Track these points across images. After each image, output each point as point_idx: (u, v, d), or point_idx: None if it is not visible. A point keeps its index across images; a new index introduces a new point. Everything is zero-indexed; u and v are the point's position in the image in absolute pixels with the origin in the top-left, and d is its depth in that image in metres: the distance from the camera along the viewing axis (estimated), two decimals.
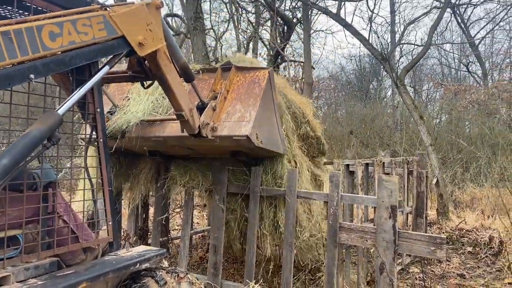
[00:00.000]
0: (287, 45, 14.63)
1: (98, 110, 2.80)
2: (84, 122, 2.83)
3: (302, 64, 13.92)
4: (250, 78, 4.30)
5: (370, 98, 22.78)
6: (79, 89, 2.40)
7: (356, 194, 4.96)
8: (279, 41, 13.82)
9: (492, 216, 8.15)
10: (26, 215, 2.37)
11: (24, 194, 2.33)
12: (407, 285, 5.43)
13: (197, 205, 9.90)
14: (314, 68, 17.74)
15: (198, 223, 8.71)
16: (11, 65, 2.04)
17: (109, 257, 2.87)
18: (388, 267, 3.83)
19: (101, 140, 2.83)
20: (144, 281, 2.81)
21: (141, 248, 3.20)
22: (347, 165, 5.11)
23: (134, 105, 4.41)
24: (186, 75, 3.37)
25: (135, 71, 3.07)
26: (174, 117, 3.48)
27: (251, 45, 15.96)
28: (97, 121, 2.80)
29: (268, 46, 14.92)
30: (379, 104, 20.60)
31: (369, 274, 5.29)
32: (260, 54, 16.27)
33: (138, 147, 4.40)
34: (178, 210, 8.55)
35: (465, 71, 23.68)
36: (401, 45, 21.70)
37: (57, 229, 2.52)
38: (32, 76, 2.12)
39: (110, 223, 2.88)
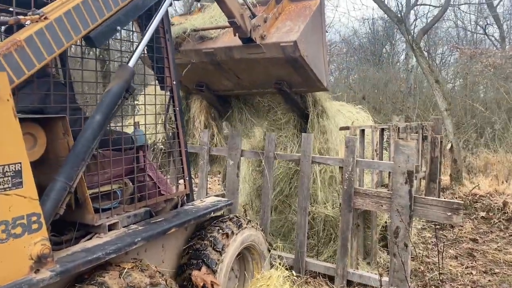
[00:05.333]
0: None
1: (174, 82, 3.19)
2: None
3: None
4: (301, 6, 4.55)
5: (383, 62, 22.30)
6: (145, 34, 2.73)
7: (372, 159, 4.92)
8: None
9: (506, 182, 8.07)
10: (122, 172, 2.79)
11: (122, 156, 2.75)
12: (420, 249, 5.47)
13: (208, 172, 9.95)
14: (326, 32, 17.34)
15: (210, 188, 8.78)
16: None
17: (188, 207, 3.37)
18: (403, 232, 3.83)
19: (177, 108, 3.24)
20: (221, 225, 3.29)
21: (212, 198, 3.70)
22: (362, 130, 5.03)
23: (191, 21, 4.89)
24: None
25: None
26: (227, 24, 3.85)
27: None
28: (173, 92, 3.21)
29: None
30: (392, 69, 20.18)
31: (381, 235, 5.31)
32: None
33: (192, 60, 4.68)
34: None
35: (482, 34, 22.97)
36: (416, 7, 21.02)
37: (146, 184, 2.98)
38: (118, 27, 2.48)
39: (187, 178, 3.38)
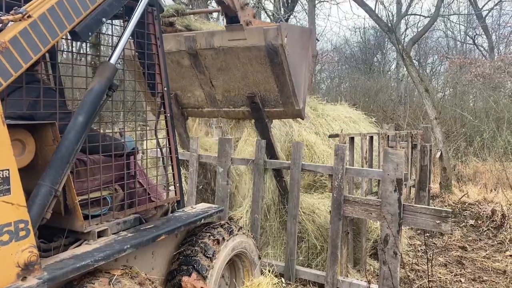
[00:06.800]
0: (291, 16, 14.36)
1: (165, 89, 3.18)
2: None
3: None
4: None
5: (374, 71, 22.51)
6: (125, 31, 2.66)
7: (361, 167, 4.96)
8: (282, 12, 13.57)
9: (495, 190, 8.16)
10: (112, 177, 2.77)
11: (112, 162, 2.72)
12: (409, 257, 5.49)
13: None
14: (318, 40, 17.46)
15: None
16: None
17: (179, 213, 3.35)
18: (392, 240, 3.86)
19: (168, 114, 3.23)
20: (212, 231, 3.27)
21: (203, 205, 3.69)
22: (352, 138, 5.07)
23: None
24: None
25: None
26: (215, 8, 3.97)
27: None
28: (164, 99, 3.19)
29: (271, 17, 14.66)
30: (383, 78, 20.38)
31: (372, 246, 5.33)
32: None
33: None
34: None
35: (471, 44, 23.33)
36: (407, 17, 21.30)
37: (136, 190, 2.94)
38: (103, 19, 2.44)
39: (177, 184, 3.32)
